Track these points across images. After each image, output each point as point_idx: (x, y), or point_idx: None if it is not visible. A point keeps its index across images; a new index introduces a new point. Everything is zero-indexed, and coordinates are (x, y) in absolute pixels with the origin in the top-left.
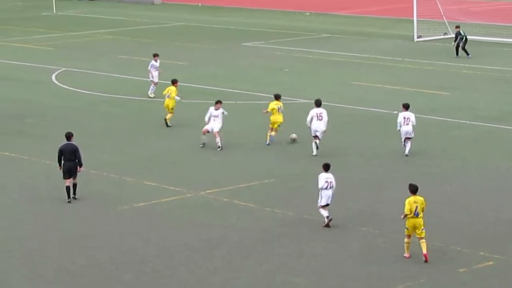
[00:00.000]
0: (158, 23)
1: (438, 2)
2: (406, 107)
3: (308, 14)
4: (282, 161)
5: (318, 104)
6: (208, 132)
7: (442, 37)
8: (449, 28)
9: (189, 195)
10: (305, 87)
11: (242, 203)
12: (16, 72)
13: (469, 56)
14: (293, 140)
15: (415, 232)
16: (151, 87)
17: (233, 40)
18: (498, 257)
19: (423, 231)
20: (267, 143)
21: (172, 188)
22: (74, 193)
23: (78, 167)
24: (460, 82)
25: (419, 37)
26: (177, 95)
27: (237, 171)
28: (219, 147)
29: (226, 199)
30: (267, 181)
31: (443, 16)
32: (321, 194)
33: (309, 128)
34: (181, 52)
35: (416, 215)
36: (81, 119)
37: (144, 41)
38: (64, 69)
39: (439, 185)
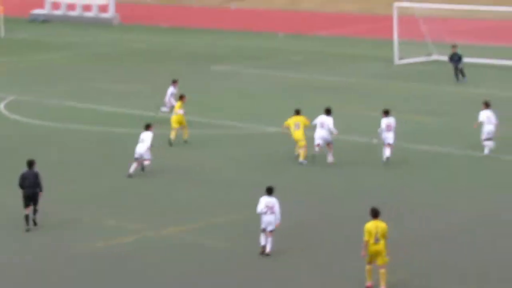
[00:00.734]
0: (117, 46)
1: (421, 21)
2: (386, 113)
3: (282, 35)
4: (253, 194)
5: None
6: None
7: (425, 59)
8: (433, 49)
9: (150, 233)
10: (279, 114)
11: (209, 242)
12: None
13: (465, 79)
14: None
15: (376, 260)
16: (168, 106)
17: (201, 63)
18: None
19: (386, 258)
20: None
21: (132, 226)
22: (35, 221)
23: (40, 192)
24: (446, 108)
25: (400, 59)
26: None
27: (203, 206)
28: (142, 168)
29: (190, 238)
30: (235, 217)
31: (427, 36)
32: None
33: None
34: (143, 77)
35: (376, 241)
36: (33, 151)
37: (103, 65)
38: (14, 97)
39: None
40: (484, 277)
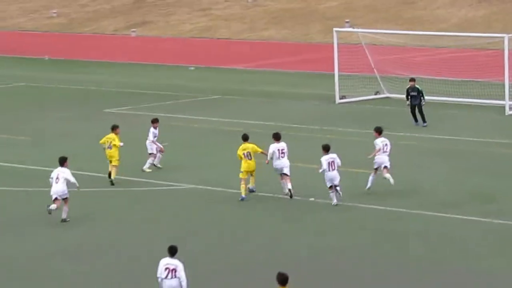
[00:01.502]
0: None
1: (367, 52)
2: (326, 149)
3: (192, 68)
4: None
5: (277, 137)
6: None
7: (373, 97)
8: (382, 85)
9: None
10: (189, 166)
11: None
12: None
13: (425, 123)
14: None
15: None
16: (158, 156)
17: (92, 104)
18: None
19: None
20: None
21: None
22: None
23: None
24: (398, 158)
25: (342, 97)
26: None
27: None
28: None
29: None
30: None
31: (374, 70)
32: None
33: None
34: (21, 123)
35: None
36: None
37: None
38: None
39: None
40: None
